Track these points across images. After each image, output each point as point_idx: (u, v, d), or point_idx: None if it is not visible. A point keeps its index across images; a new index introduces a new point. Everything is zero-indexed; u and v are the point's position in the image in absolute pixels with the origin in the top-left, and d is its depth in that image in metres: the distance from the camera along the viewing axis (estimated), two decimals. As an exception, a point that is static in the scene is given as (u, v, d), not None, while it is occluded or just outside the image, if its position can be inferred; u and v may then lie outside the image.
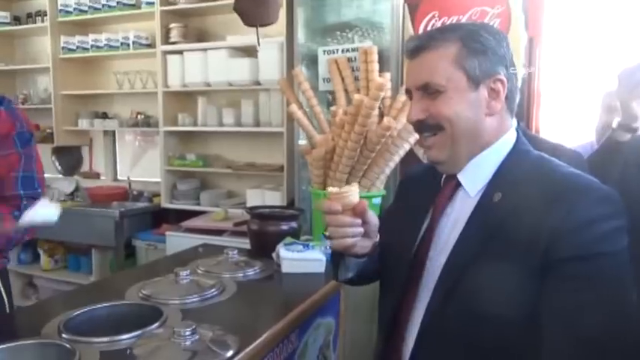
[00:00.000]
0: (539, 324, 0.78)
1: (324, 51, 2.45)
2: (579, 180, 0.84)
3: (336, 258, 1.05)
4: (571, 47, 2.27)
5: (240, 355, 1.07)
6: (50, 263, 3.56)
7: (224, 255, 1.72)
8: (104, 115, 3.64)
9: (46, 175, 3.82)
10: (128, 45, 3.34)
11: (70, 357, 1.01)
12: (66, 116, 3.64)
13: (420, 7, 2.30)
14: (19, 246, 3.33)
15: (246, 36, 2.90)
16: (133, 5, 3.32)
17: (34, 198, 1.41)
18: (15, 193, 1.39)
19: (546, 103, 2.24)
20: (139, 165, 3.76)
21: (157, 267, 1.82)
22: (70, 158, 3.85)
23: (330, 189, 0.94)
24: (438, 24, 2.24)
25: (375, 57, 2.23)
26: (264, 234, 1.92)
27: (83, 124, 3.60)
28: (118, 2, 3.33)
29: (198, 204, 3.22)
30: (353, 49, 2.38)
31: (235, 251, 1.73)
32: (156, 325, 1.17)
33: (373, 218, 0.96)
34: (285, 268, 1.67)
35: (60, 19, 3.51)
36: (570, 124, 2.31)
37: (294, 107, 2.24)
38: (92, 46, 3.46)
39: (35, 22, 3.72)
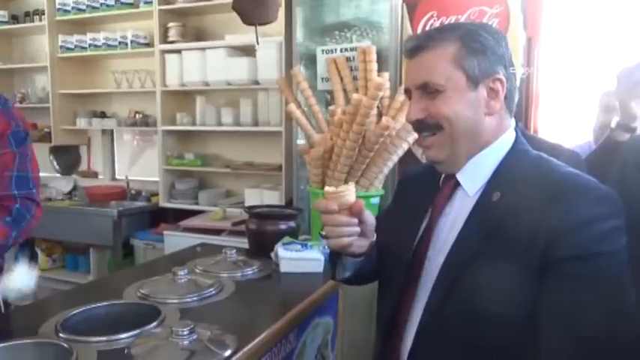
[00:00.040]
0: (538, 323, 0.78)
1: (323, 50, 2.45)
2: (578, 179, 0.84)
3: (334, 257, 1.05)
4: (569, 47, 2.28)
5: (239, 355, 1.07)
6: (48, 262, 3.56)
7: (222, 254, 1.72)
8: (102, 115, 3.63)
9: (43, 175, 3.80)
10: (126, 44, 3.34)
11: (67, 356, 1.00)
12: (64, 115, 3.63)
13: (419, 7, 2.30)
14: (16, 245, 3.32)
15: (244, 35, 2.90)
16: (131, 4, 3.31)
17: (28, 198, 1.39)
18: (9, 193, 1.37)
19: (545, 103, 2.24)
20: (137, 164, 3.76)
21: (155, 266, 1.81)
22: (68, 157, 3.85)
23: (327, 188, 0.94)
24: (437, 24, 2.24)
25: (374, 57, 2.23)
26: (262, 233, 1.92)
27: (81, 123, 3.59)
28: (116, 1, 3.33)
29: (197, 203, 3.22)
30: (351, 49, 2.38)
31: (233, 251, 1.73)
32: (154, 324, 1.16)
33: (370, 218, 0.96)
34: (284, 267, 1.67)
35: (58, 17, 3.51)
36: (568, 124, 2.31)
37: (292, 106, 2.23)
38: (90, 45, 3.46)
39: (33, 21, 3.72)
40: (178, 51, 3.14)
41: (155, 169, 3.34)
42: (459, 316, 0.85)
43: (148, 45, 3.31)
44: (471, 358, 0.85)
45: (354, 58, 2.36)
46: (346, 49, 2.40)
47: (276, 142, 2.93)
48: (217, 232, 2.78)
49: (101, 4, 3.38)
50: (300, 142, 2.52)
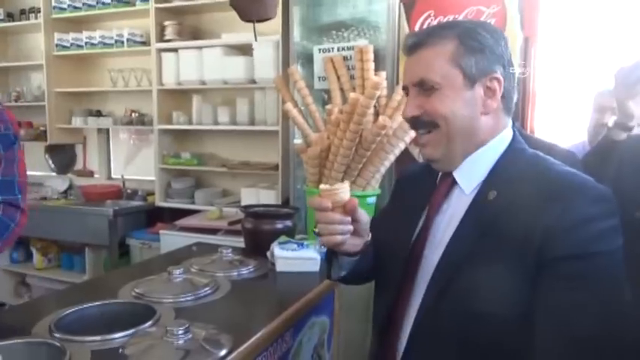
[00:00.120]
0: (533, 322, 0.78)
1: (320, 49, 2.44)
2: (574, 179, 0.84)
3: (330, 256, 1.05)
4: (566, 47, 2.28)
5: (234, 355, 1.06)
6: (43, 262, 3.54)
7: (218, 254, 1.71)
8: (98, 113, 3.61)
9: (39, 174, 3.77)
10: (122, 42, 3.32)
11: (60, 356, 0.99)
12: (59, 114, 3.61)
13: (416, 7, 2.30)
14: (12, 245, 3.30)
15: (241, 34, 2.89)
16: (128, 2, 3.29)
17: (12, 204, 1.36)
18: None
19: (541, 102, 2.24)
20: (134, 163, 3.74)
21: (150, 266, 1.80)
22: (63, 156, 3.83)
23: (322, 186, 0.95)
24: (434, 23, 2.24)
25: (371, 56, 2.22)
26: (258, 233, 1.92)
27: (77, 121, 3.57)
28: (112, -1, 3.31)
29: (193, 203, 3.21)
30: (349, 48, 2.37)
31: (229, 250, 1.73)
32: (149, 323, 1.16)
33: (364, 216, 0.96)
34: (280, 266, 1.67)
35: (54, 15, 3.48)
36: (565, 124, 2.31)
37: (289, 105, 2.23)
38: (86, 43, 3.44)
39: (29, 19, 3.69)
40: (175, 50, 3.12)
41: (151, 168, 3.33)
42: (454, 314, 0.85)
43: (144, 43, 3.29)
44: (466, 356, 0.85)
45: (351, 57, 2.35)
46: (343, 48, 2.39)
47: (272, 141, 2.92)
48: (214, 231, 2.77)
49: (97, 2, 3.36)
50: (297, 141, 2.52)
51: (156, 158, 3.26)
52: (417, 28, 2.29)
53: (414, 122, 0.93)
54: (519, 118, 2.18)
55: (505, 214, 0.83)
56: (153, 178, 3.31)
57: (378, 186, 2.12)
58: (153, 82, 3.21)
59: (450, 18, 2.20)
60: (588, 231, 0.77)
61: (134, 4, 3.26)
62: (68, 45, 3.49)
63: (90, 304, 1.27)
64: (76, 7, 3.43)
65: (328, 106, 2.17)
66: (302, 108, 2.37)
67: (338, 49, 2.40)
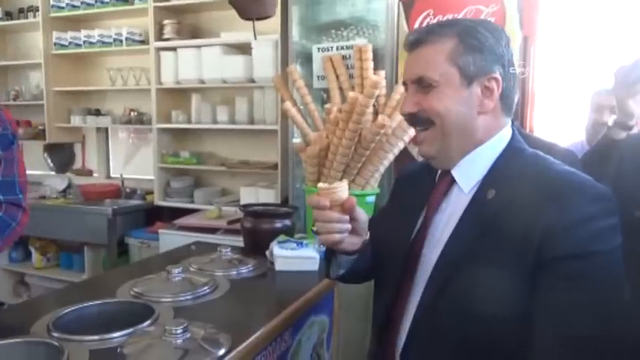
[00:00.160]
0: (532, 321, 0.78)
1: (319, 48, 2.44)
2: (574, 178, 0.83)
3: (328, 255, 1.05)
4: (566, 47, 2.28)
5: (233, 354, 1.06)
6: (42, 261, 3.53)
7: (217, 253, 1.71)
8: (97, 112, 3.61)
9: (38, 172, 3.76)
10: (121, 41, 3.31)
11: (58, 356, 0.99)
12: (58, 113, 3.60)
13: (415, 5, 2.29)
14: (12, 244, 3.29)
15: (240, 33, 2.89)
16: (126, 1, 3.29)
17: (14, 204, 1.36)
18: None
19: (541, 102, 2.24)
20: (132, 162, 3.73)
21: (149, 265, 1.80)
22: (62, 155, 3.82)
23: (320, 185, 0.95)
24: (433, 22, 2.23)
25: (370, 55, 2.22)
26: (257, 232, 1.91)
27: (76, 120, 3.57)
28: (111, -2, 3.31)
29: (192, 202, 3.21)
30: (348, 47, 2.37)
31: (228, 249, 1.72)
32: (147, 323, 1.16)
33: (362, 215, 0.96)
34: (279, 266, 1.66)
35: (52, 14, 3.48)
36: (564, 124, 2.31)
37: (288, 104, 2.22)
38: (85, 42, 3.43)
39: (27, 18, 3.68)
40: (174, 48, 3.12)
41: (150, 167, 3.32)
42: (453, 313, 0.85)
43: (143, 42, 3.29)
44: (464, 355, 0.85)
45: (350, 56, 2.35)
46: (342, 47, 2.39)
47: (271, 140, 2.92)
48: (213, 230, 2.77)
49: (96, 1, 3.35)
50: (296, 140, 2.51)
51: (155, 157, 3.25)
52: (416, 27, 2.28)
53: (411, 119, 0.94)
54: (518, 117, 2.18)
55: (504, 213, 0.83)
56: (152, 177, 3.31)
57: (377, 185, 2.12)
58: (152, 81, 3.21)
59: (449, 17, 2.20)
60: (587, 230, 0.76)
61: (133, 3, 3.25)
62: (67, 44, 3.48)
63: (88, 304, 1.27)
64: (74, 6, 3.42)
65: (327, 105, 2.17)
66: (301, 107, 2.36)
67: (337, 48, 2.40)
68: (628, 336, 0.77)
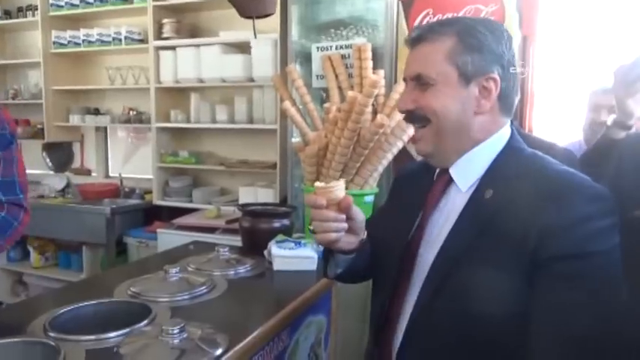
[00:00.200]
0: (528, 321, 0.78)
1: (318, 48, 2.43)
2: (572, 178, 0.83)
3: (326, 254, 1.05)
4: (565, 46, 2.27)
5: (230, 354, 1.06)
6: (40, 260, 3.52)
7: (215, 252, 1.70)
8: (96, 111, 3.60)
9: (36, 172, 3.75)
10: (120, 40, 3.31)
11: (55, 355, 0.99)
12: (57, 112, 3.60)
13: (414, 5, 2.29)
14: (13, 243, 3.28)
15: (239, 32, 2.89)
16: (125, 0, 3.28)
17: (15, 204, 1.36)
18: None
19: (540, 102, 2.24)
20: (131, 162, 3.73)
21: (147, 264, 1.79)
22: (61, 154, 3.82)
23: (317, 183, 0.95)
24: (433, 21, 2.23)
25: (369, 54, 2.22)
26: (255, 231, 1.91)
27: (74, 119, 3.56)
28: (109, -3, 3.30)
29: (191, 201, 3.20)
30: (347, 46, 2.37)
31: (226, 248, 1.72)
32: (144, 322, 1.15)
33: (359, 215, 0.96)
34: (277, 265, 1.66)
35: (51, 13, 3.47)
36: (563, 123, 2.31)
37: (287, 104, 2.22)
38: (84, 40, 3.43)
39: (26, 17, 3.67)
40: (173, 47, 3.11)
41: (149, 166, 3.32)
42: (450, 312, 0.85)
43: (142, 41, 3.28)
44: (460, 354, 0.85)
45: (349, 55, 2.35)
46: (341, 47, 2.39)
47: (270, 139, 2.91)
48: (211, 230, 2.77)
49: (95, 0, 3.34)
50: (295, 139, 2.51)
51: (154, 156, 3.25)
52: (416, 25, 2.28)
53: (408, 116, 0.94)
54: (517, 117, 2.17)
55: (502, 213, 0.82)
56: (150, 176, 3.30)
57: (376, 185, 2.11)
58: (151, 80, 3.20)
59: (449, 16, 2.20)
60: (585, 230, 0.76)
61: (132, 2, 3.25)
62: (66, 43, 3.48)
63: (85, 303, 1.26)
64: (73, 5, 3.42)
65: (326, 105, 2.16)
66: (300, 106, 2.36)
67: (336, 48, 2.39)
68: (626, 336, 0.76)
